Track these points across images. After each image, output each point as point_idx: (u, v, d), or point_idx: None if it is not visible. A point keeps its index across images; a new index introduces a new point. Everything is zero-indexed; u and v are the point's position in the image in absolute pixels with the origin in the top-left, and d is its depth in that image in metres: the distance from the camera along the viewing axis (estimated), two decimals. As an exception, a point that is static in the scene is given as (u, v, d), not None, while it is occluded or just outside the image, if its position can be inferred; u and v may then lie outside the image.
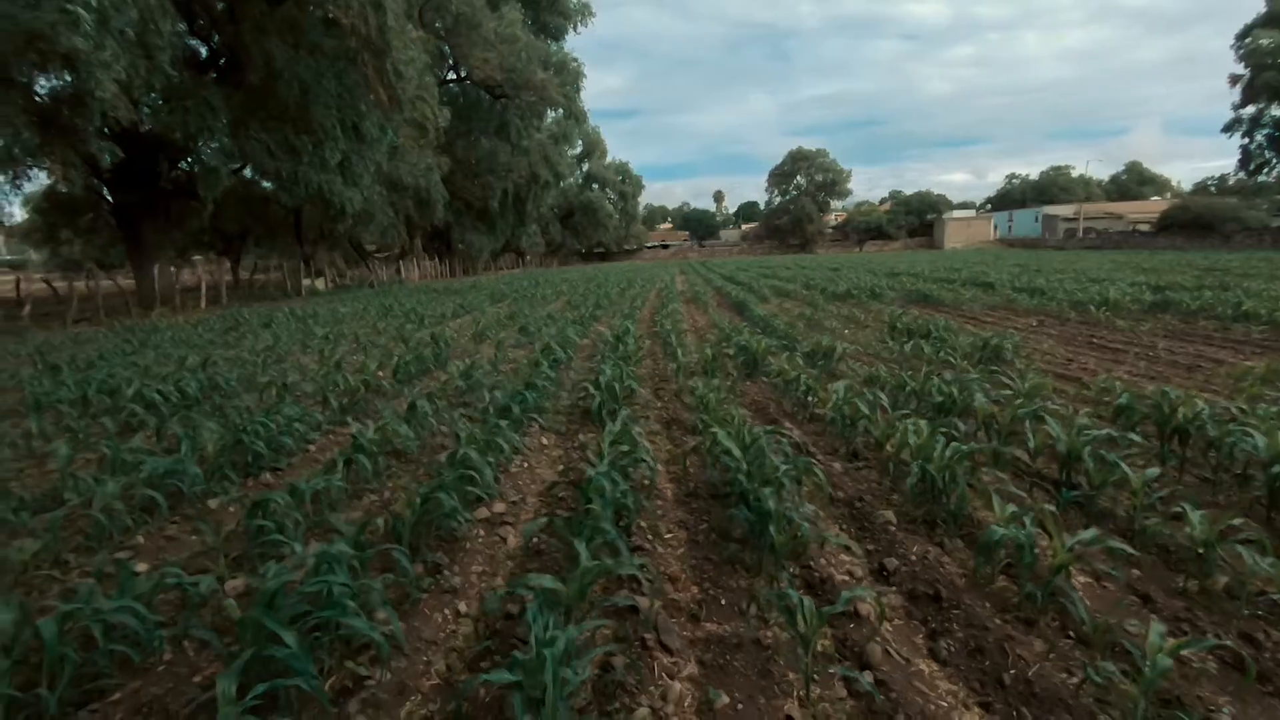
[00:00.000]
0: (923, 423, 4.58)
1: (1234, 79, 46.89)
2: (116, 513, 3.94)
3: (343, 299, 25.23)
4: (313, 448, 5.88)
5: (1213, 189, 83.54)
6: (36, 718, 2.30)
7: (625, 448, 4.31)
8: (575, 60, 45.59)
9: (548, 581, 2.70)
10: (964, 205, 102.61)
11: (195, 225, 28.55)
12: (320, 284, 30.18)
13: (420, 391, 7.45)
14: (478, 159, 42.26)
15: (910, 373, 6.76)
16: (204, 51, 23.28)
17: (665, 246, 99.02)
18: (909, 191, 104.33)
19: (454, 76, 41.61)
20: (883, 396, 5.47)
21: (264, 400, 7.35)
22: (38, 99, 13.87)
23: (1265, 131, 48.77)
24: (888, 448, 4.85)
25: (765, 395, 7.27)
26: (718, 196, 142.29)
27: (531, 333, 12.52)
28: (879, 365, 7.83)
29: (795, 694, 2.48)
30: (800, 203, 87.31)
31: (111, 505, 3.93)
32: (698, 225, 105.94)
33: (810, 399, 6.60)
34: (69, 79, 13.15)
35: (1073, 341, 10.25)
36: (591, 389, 6.47)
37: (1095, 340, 10.22)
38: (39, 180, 21.32)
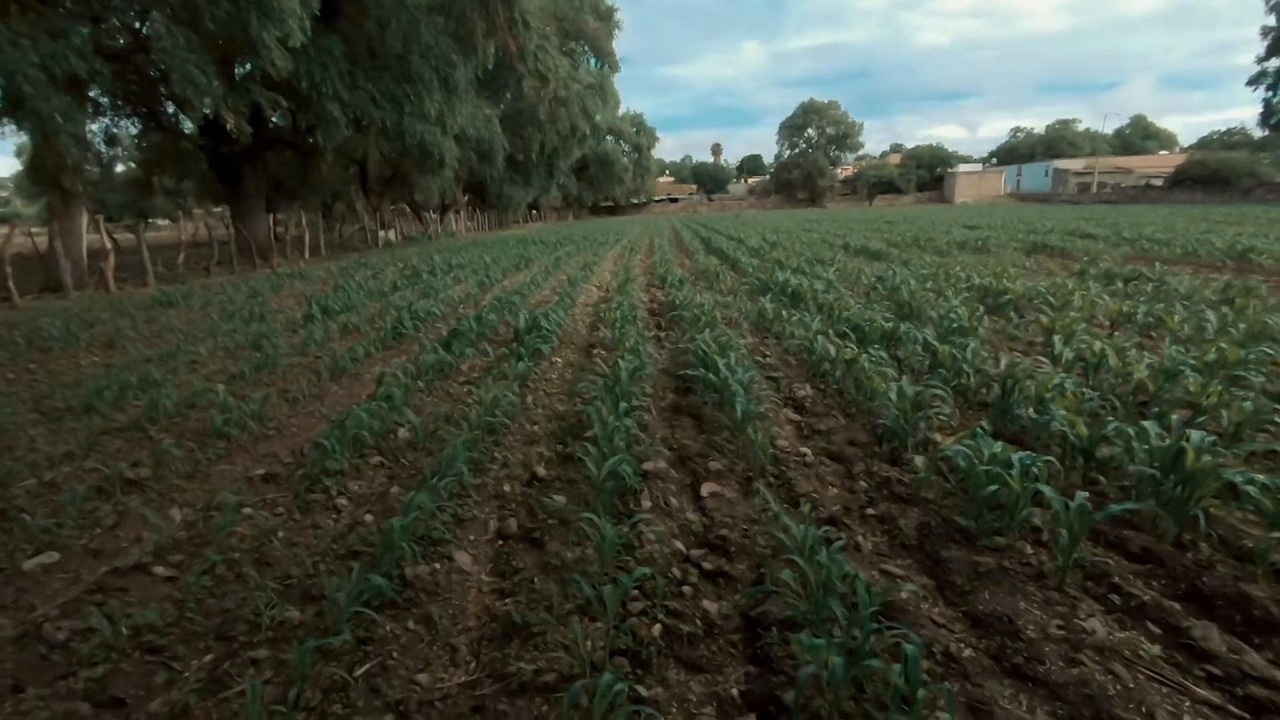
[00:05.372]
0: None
1: (1266, 30, 47.30)
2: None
3: (426, 249, 25.48)
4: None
5: (1214, 141, 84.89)
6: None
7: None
8: (615, 7, 44.79)
9: None
10: (961, 159, 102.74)
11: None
12: (392, 235, 30.28)
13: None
14: (520, 110, 41.85)
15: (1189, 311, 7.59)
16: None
17: (674, 200, 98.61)
18: (909, 145, 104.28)
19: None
20: None
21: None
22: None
23: (1292, 85, 49.45)
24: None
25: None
26: (715, 150, 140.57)
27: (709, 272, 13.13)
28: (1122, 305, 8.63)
29: None
30: (812, 156, 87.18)
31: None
32: (707, 179, 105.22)
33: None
34: (251, 27, 13.20)
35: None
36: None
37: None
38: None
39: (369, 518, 3.64)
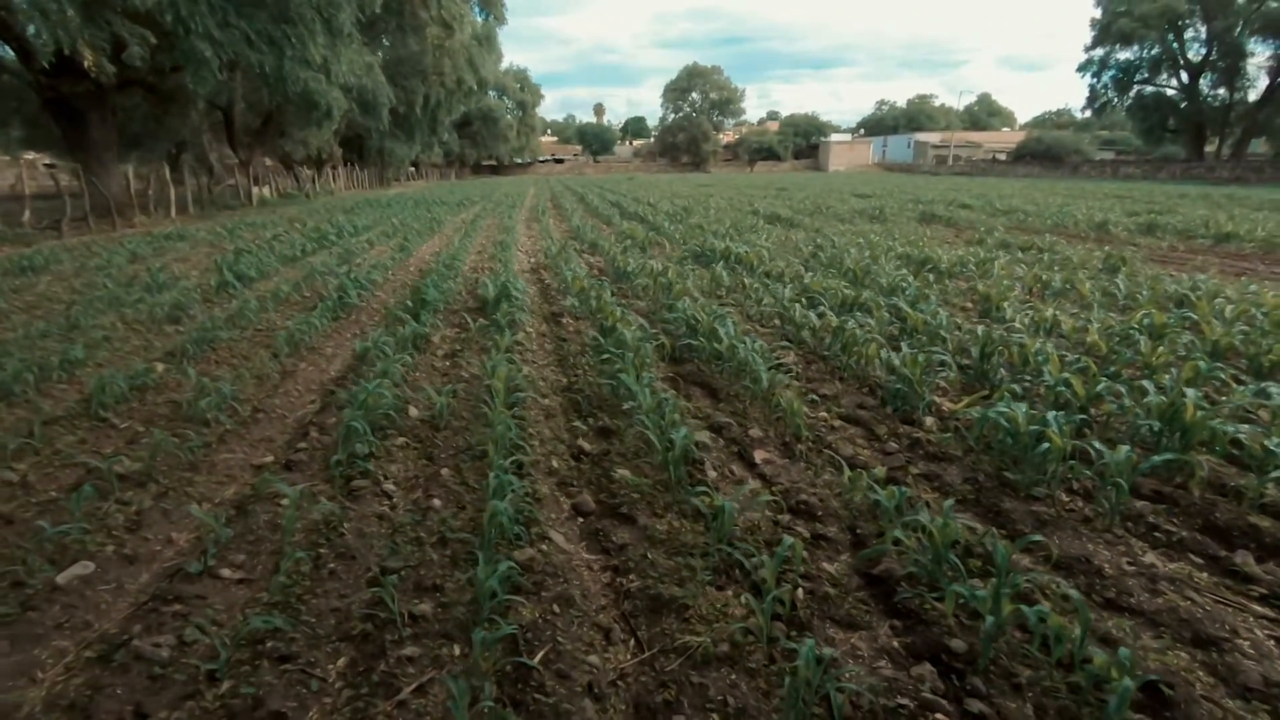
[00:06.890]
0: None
1: (1094, 22, 52.83)
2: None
3: (309, 208, 23.59)
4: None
5: (1046, 120, 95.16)
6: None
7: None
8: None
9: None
10: (834, 129, 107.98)
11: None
12: (267, 192, 27.67)
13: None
14: (401, 60, 39.13)
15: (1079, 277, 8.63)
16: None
17: (559, 161, 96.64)
18: (784, 113, 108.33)
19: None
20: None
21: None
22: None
23: (1111, 73, 55.81)
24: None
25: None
26: (598, 110, 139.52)
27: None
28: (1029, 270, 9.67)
29: None
30: (696, 120, 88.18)
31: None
32: (593, 140, 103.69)
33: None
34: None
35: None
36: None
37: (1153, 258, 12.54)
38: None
39: (436, 503, 3.48)
